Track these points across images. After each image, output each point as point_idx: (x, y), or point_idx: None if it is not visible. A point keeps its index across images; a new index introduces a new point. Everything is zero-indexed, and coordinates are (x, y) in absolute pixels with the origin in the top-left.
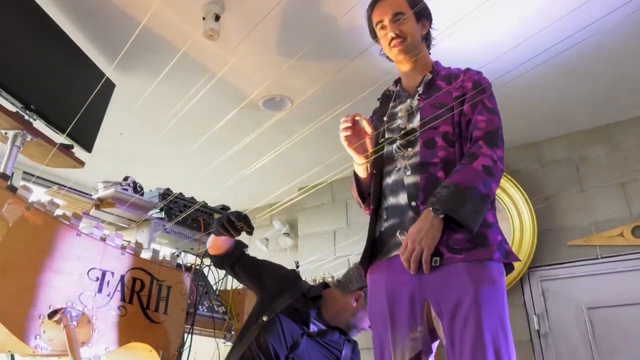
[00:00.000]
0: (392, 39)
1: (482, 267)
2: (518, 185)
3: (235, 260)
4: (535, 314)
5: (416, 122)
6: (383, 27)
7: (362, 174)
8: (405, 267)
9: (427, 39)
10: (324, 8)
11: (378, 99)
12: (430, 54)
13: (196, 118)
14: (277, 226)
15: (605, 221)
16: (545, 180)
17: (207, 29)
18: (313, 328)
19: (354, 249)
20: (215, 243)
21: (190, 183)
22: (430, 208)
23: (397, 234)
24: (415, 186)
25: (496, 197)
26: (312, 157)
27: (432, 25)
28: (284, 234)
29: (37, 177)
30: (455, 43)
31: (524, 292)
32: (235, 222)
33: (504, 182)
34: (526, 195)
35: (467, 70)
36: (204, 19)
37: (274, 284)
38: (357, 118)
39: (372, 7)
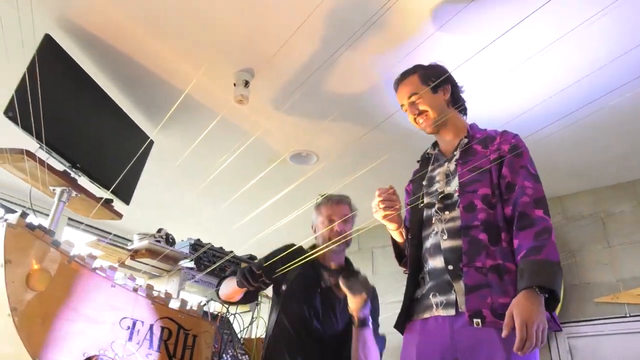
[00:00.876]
0: (415, 118)
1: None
2: None
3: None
4: None
5: (454, 186)
6: (406, 109)
7: (399, 238)
8: (518, 350)
9: (455, 101)
10: (345, 75)
11: (418, 161)
12: (465, 115)
13: (227, 172)
14: None
15: (632, 278)
16: (570, 235)
17: (237, 95)
18: (326, 283)
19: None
20: (230, 294)
21: (220, 232)
22: (535, 288)
23: (431, 296)
24: (452, 250)
25: None
26: None
27: (458, 87)
28: None
29: (82, 225)
30: (480, 108)
31: (551, 349)
32: (255, 272)
33: None
34: None
35: (504, 132)
36: (234, 85)
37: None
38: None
39: (396, 89)
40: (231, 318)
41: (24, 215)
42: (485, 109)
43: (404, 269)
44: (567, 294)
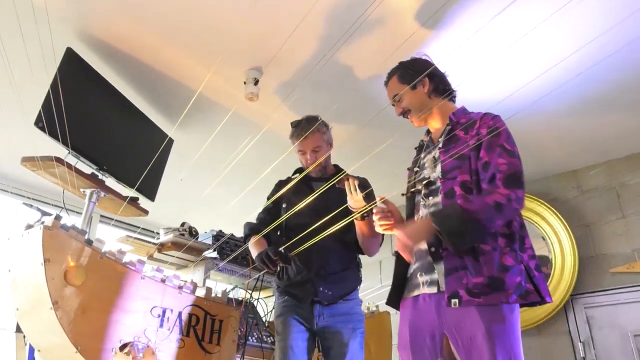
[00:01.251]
0: (401, 115)
1: (494, 309)
2: (557, 213)
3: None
4: (580, 342)
5: (437, 172)
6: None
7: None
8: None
9: (437, 90)
10: (349, 67)
11: (415, 148)
12: (453, 101)
13: (246, 164)
14: None
15: None
16: (585, 207)
17: (247, 92)
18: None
19: None
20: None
21: (241, 222)
22: (431, 217)
23: (418, 275)
24: (436, 234)
25: (536, 225)
26: None
27: (439, 76)
28: None
29: (113, 221)
30: (489, 88)
31: (568, 319)
32: (272, 257)
33: (544, 210)
34: (566, 223)
35: (484, 115)
36: (245, 83)
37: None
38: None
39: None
40: (255, 303)
41: (58, 217)
42: (492, 88)
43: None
44: (583, 265)
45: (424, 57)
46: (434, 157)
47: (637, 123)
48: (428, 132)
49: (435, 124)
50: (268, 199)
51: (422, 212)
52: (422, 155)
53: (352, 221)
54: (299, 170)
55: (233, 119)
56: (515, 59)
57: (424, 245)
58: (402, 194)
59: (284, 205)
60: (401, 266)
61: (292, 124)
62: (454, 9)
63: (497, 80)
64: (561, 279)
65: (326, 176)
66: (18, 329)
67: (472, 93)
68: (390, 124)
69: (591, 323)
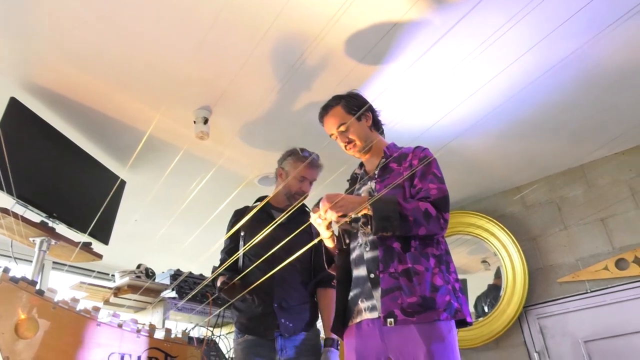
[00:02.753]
0: (345, 145)
1: (431, 327)
2: (505, 229)
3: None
4: (535, 352)
5: None
6: (336, 137)
7: (330, 244)
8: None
9: (375, 125)
10: (297, 101)
11: (347, 180)
12: (383, 136)
13: (200, 201)
14: None
15: (590, 256)
16: (530, 221)
17: (197, 131)
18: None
19: None
20: None
21: (199, 259)
22: (368, 196)
23: (359, 301)
24: (374, 260)
25: (486, 241)
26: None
27: (376, 112)
28: None
29: (66, 267)
30: (419, 120)
31: (523, 330)
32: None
33: (492, 226)
34: (513, 237)
35: (416, 148)
36: (195, 122)
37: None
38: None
39: (321, 122)
40: (217, 340)
41: (6, 270)
42: (434, 115)
43: (332, 275)
44: (533, 277)
45: (359, 93)
46: (370, 187)
47: (569, 139)
48: (361, 165)
49: (371, 157)
50: (228, 229)
51: (362, 239)
52: (357, 187)
53: (312, 258)
54: (260, 199)
55: (185, 157)
56: (453, 86)
57: (363, 272)
58: (347, 222)
59: (242, 234)
60: (342, 293)
61: (300, 149)
62: (391, 44)
63: (438, 107)
64: (514, 292)
65: (285, 206)
66: None
67: (414, 120)
68: (341, 154)
69: (544, 333)
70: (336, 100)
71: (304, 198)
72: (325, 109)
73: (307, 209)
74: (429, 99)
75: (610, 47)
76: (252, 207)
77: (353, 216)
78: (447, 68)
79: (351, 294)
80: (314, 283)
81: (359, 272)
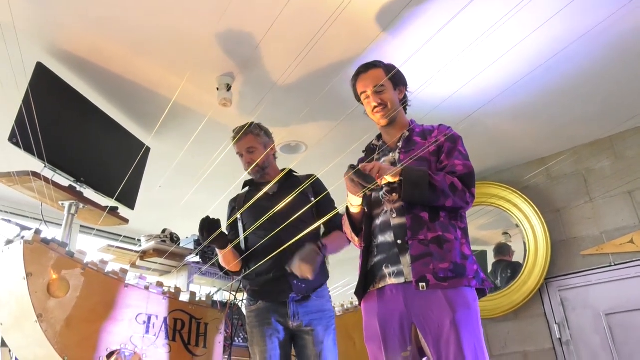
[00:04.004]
0: (375, 107)
1: (459, 294)
2: (529, 200)
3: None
4: (555, 323)
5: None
6: (367, 97)
7: (357, 210)
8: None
9: (404, 101)
10: (320, 69)
11: (363, 151)
12: (406, 113)
13: (223, 168)
14: None
15: (615, 229)
16: (555, 193)
17: (220, 98)
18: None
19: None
20: (225, 261)
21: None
22: (402, 172)
23: (384, 267)
24: (402, 226)
25: (509, 212)
26: (332, 190)
27: (407, 89)
28: None
29: (94, 231)
30: (444, 89)
31: (544, 302)
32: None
33: (515, 198)
34: (537, 209)
35: (440, 126)
36: (217, 89)
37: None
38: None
39: (355, 79)
40: (240, 304)
41: (38, 231)
42: (460, 84)
43: (359, 243)
44: (555, 249)
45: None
46: (393, 158)
47: (598, 110)
48: (379, 137)
49: (393, 130)
50: (227, 219)
51: (387, 207)
52: (377, 157)
53: (312, 217)
54: (248, 183)
55: (208, 124)
56: (479, 54)
57: (389, 238)
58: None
59: (240, 219)
60: (364, 259)
61: (233, 130)
62: (414, 11)
63: (464, 75)
64: (535, 264)
65: (271, 180)
66: (3, 344)
67: (439, 89)
68: (363, 122)
69: (565, 305)
70: (378, 62)
71: (263, 167)
72: (367, 67)
73: (294, 173)
74: (455, 67)
75: None
76: (242, 193)
77: (387, 181)
78: (474, 35)
79: (375, 259)
80: (322, 235)
81: (385, 238)
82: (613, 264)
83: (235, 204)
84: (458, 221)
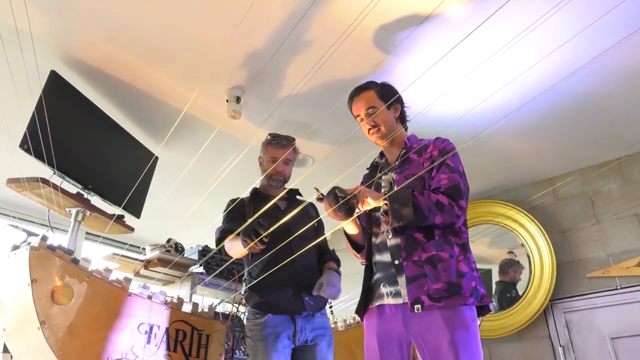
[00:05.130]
0: (369, 129)
1: (456, 314)
2: (535, 220)
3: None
4: (560, 345)
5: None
6: (361, 120)
7: (353, 230)
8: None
9: (401, 118)
10: (329, 86)
11: (367, 169)
12: (407, 129)
13: (230, 179)
14: None
15: (622, 252)
16: (562, 214)
17: (230, 110)
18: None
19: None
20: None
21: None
22: (387, 199)
23: (381, 286)
24: (397, 247)
25: (515, 232)
26: None
27: (404, 106)
28: None
29: (100, 239)
30: (452, 108)
31: (548, 324)
32: (259, 232)
33: (521, 217)
34: (543, 230)
35: (436, 139)
36: (227, 101)
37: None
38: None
39: (350, 102)
40: (242, 316)
41: (44, 238)
42: (468, 104)
43: (361, 260)
44: (561, 270)
45: (392, 85)
46: (391, 178)
47: (606, 132)
48: (382, 155)
49: (393, 148)
50: (226, 215)
51: (384, 227)
52: (378, 176)
53: (315, 238)
54: (255, 191)
55: (217, 136)
56: (488, 75)
57: (387, 258)
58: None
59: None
60: (366, 275)
61: (270, 134)
62: (424, 31)
63: (472, 95)
64: (540, 285)
65: (284, 195)
66: (5, 350)
67: (447, 107)
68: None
69: (570, 327)
70: (370, 83)
71: (285, 181)
72: (358, 90)
73: (299, 196)
74: (464, 86)
75: None
76: (248, 200)
77: (371, 206)
78: (484, 55)
79: (374, 277)
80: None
81: (383, 257)
82: (619, 287)
83: (240, 208)
84: (456, 237)
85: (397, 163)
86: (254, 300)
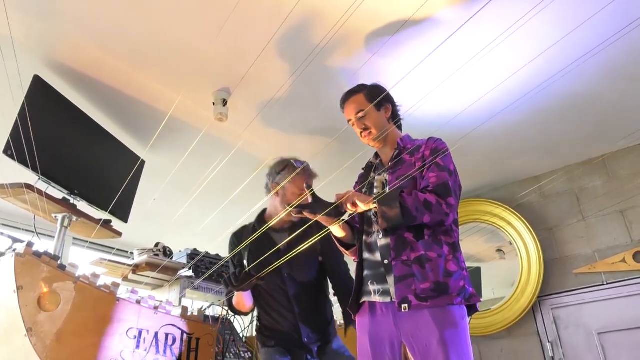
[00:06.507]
0: (361, 132)
1: (444, 312)
2: (522, 218)
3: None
4: (548, 341)
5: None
6: (353, 124)
7: (339, 233)
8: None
9: (394, 118)
10: (316, 85)
11: (362, 169)
12: (400, 130)
13: (218, 182)
14: None
15: (608, 248)
16: (548, 211)
17: (216, 113)
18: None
19: None
20: (239, 302)
21: (216, 240)
22: (376, 202)
23: (369, 283)
24: (387, 247)
25: (502, 230)
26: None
27: (396, 105)
28: None
29: (87, 244)
30: (439, 108)
31: (537, 320)
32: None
33: (509, 215)
34: (530, 227)
35: (429, 139)
36: (214, 104)
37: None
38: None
39: (342, 107)
40: (232, 319)
41: (30, 244)
42: (454, 103)
43: (352, 257)
44: (548, 267)
45: (383, 85)
46: (384, 178)
47: (591, 129)
48: (376, 155)
49: (386, 149)
50: (230, 250)
51: (374, 227)
52: (372, 176)
53: (322, 274)
54: (260, 218)
55: (204, 138)
56: (474, 74)
57: (377, 257)
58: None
59: (245, 255)
60: (358, 272)
61: (293, 159)
62: (411, 30)
63: (459, 96)
64: (528, 282)
65: (284, 225)
66: None
67: (434, 107)
68: (357, 139)
69: (558, 323)
70: (360, 87)
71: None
72: (348, 95)
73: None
74: (451, 87)
75: (639, 38)
76: (250, 227)
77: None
78: (469, 56)
79: (364, 274)
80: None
81: (374, 257)
82: (605, 283)
83: (239, 239)
84: (447, 236)
85: (389, 164)
86: (261, 332)
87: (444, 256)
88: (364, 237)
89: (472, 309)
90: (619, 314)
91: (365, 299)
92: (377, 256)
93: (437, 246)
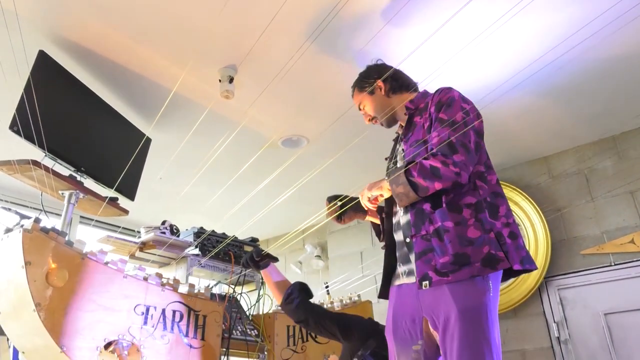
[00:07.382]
0: (369, 121)
1: (465, 286)
2: (530, 199)
3: (318, 318)
4: (554, 322)
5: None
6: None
7: (376, 221)
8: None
9: (393, 89)
10: (322, 63)
11: (393, 140)
12: (415, 92)
13: (224, 160)
14: (309, 249)
15: (616, 229)
16: (556, 192)
17: (223, 90)
18: None
19: (379, 267)
20: (270, 288)
21: (222, 218)
22: (387, 180)
23: (397, 266)
24: (407, 224)
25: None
26: (333, 184)
27: (397, 72)
28: (316, 256)
29: (93, 222)
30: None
31: (543, 301)
32: (255, 258)
33: (516, 196)
34: (538, 208)
35: (434, 93)
36: (220, 81)
37: (361, 333)
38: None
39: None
40: (238, 297)
41: (37, 220)
42: (463, 80)
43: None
44: (555, 248)
45: (378, 62)
46: (402, 149)
47: (602, 109)
48: (401, 125)
49: (401, 120)
50: None
51: (396, 206)
52: (398, 148)
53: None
54: None
55: (210, 116)
56: (483, 51)
57: (401, 237)
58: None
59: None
60: (388, 257)
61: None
62: (421, 4)
63: (467, 72)
64: (535, 262)
65: None
66: (1, 332)
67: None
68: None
69: (564, 304)
70: (355, 82)
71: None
72: (352, 94)
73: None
74: (459, 63)
75: None
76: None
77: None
78: (479, 30)
79: (394, 257)
80: None
81: (398, 236)
82: (613, 264)
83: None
84: (468, 196)
85: (401, 134)
86: None
87: (464, 222)
88: (392, 219)
89: (508, 273)
90: (626, 295)
91: (395, 282)
92: (400, 235)
93: (454, 213)
